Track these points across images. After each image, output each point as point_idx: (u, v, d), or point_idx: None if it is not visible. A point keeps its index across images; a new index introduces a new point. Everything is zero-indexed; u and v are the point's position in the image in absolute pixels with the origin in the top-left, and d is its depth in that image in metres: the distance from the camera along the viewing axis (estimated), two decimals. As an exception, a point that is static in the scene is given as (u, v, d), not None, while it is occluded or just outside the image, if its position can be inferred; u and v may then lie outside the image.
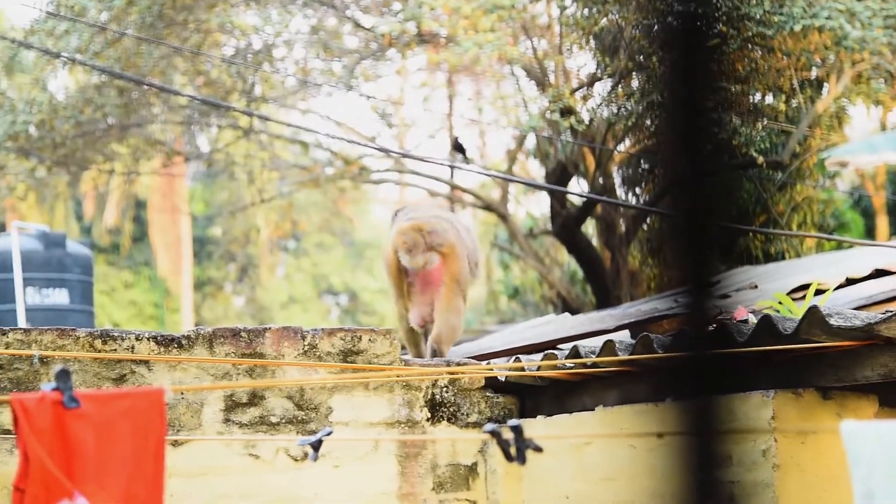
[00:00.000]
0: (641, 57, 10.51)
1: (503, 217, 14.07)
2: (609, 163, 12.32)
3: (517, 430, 3.34)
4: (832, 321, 3.88)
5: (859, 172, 15.22)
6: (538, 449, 3.37)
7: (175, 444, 5.09)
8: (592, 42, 11.47)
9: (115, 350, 5.09)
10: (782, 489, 4.11)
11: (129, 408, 3.46)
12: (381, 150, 13.63)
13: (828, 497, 4.15)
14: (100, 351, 5.07)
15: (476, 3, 10.24)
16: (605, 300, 12.15)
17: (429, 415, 5.53)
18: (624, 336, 6.10)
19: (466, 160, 13.99)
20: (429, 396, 5.54)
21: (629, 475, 4.76)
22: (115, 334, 5.14)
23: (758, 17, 9.34)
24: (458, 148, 13.80)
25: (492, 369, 5.40)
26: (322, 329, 5.42)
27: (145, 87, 11.86)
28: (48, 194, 15.11)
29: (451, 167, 14.44)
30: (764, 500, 4.11)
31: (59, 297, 11.75)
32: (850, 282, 6.39)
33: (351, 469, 5.35)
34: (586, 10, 10.81)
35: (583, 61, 13.10)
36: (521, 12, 10.83)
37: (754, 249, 11.77)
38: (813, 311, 3.92)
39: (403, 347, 6.15)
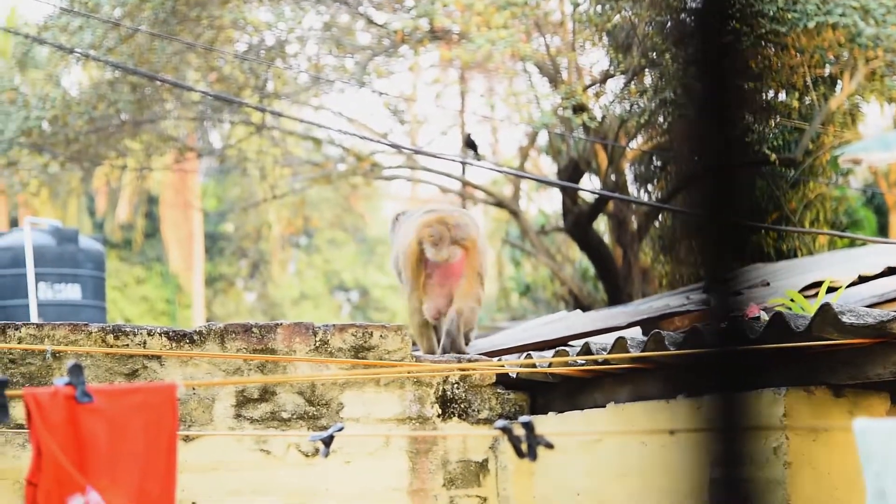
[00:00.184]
0: (654, 54, 10.49)
1: (515, 214, 14.07)
2: (621, 160, 12.31)
3: (528, 427, 3.34)
4: (844, 319, 3.87)
5: (872, 170, 15.16)
6: (549, 445, 3.37)
7: (186, 439, 5.10)
8: (605, 39, 11.46)
9: (128, 345, 5.11)
10: (794, 487, 4.10)
11: (142, 403, 3.47)
12: (393, 146, 13.64)
13: (840, 495, 4.14)
14: (112, 346, 5.09)
15: (489, 0, 10.24)
16: (616, 297, 12.15)
17: (440, 411, 5.53)
18: (635, 333, 6.09)
19: (478, 157, 13.98)
20: (440, 393, 5.54)
21: (641, 472, 4.75)
22: (128, 329, 5.16)
23: (771, 14, 9.32)
24: (470, 144, 13.80)
25: (503, 366, 5.40)
26: (333, 325, 5.43)
27: (158, 83, 11.88)
28: (61, 190, 15.17)
29: (463, 164, 14.45)
30: (775, 498, 4.10)
31: (71, 292, 11.78)
32: (862, 279, 6.36)
33: (362, 465, 5.36)
34: (599, 7, 10.80)
35: (595, 58, 13.09)
36: (534, 9, 10.83)
37: (766, 247, 11.75)
38: (825, 308, 3.91)
39: (414, 343, 6.15)
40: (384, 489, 5.38)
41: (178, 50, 11.86)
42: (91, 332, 5.08)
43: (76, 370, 3.34)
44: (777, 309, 4.76)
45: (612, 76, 11.63)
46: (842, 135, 11.62)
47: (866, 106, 12.13)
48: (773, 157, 10.54)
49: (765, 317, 4.33)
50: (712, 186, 1.58)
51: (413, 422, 5.48)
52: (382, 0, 12.18)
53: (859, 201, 14.93)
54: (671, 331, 4.75)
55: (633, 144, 12.11)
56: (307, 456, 5.29)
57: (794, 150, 11.09)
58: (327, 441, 3.79)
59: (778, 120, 10.91)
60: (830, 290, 5.65)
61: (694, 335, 4.35)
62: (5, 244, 11.94)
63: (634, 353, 4.64)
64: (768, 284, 7.24)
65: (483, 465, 5.56)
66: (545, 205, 17.93)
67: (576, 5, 11.01)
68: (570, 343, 6.12)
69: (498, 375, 5.55)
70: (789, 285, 6.45)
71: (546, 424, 5.20)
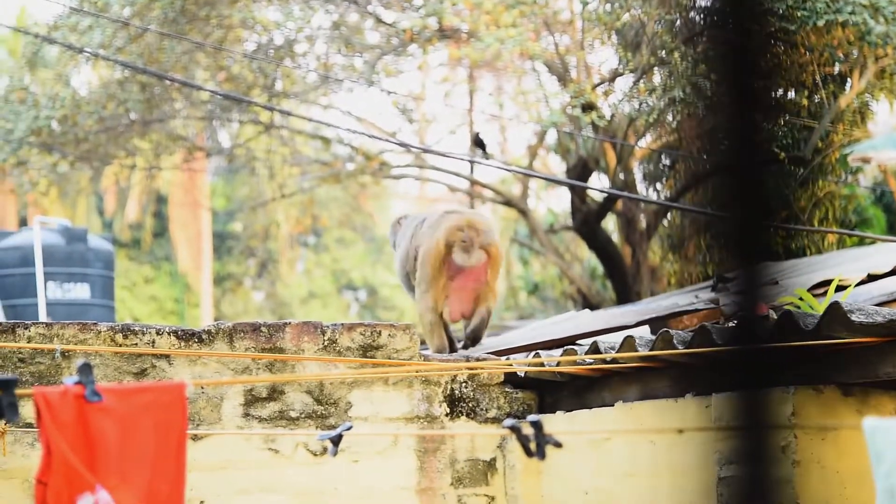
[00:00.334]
0: (663, 52, 10.48)
1: (523, 212, 14.06)
2: (630, 158, 12.30)
3: (537, 426, 3.33)
4: (854, 317, 3.86)
5: (882, 168, 15.12)
6: (558, 444, 3.36)
7: (195, 438, 5.11)
8: (614, 37, 11.45)
9: (136, 344, 5.12)
10: (802, 486, 4.10)
11: (151, 402, 3.47)
12: (401, 145, 13.64)
13: (849, 494, 4.13)
14: (121, 345, 5.10)
15: (497, -1, 10.24)
16: (625, 296, 12.13)
17: (448, 410, 5.53)
18: (644, 332, 6.09)
19: (487, 156, 13.98)
20: (448, 392, 5.54)
21: (649, 471, 4.75)
22: (136, 329, 5.17)
23: (781, 12, 9.30)
24: (478, 143, 13.80)
25: (511, 365, 5.40)
26: (342, 324, 5.44)
27: (167, 82, 11.90)
28: (70, 189, 15.19)
29: (472, 162, 14.44)
30: (784, 497, 4.09)
31: (80, 291, 11.81)
32: (871, 278, 6.35)
33: (370, 464, 5.36)
34: (608, 6, 10.80)
35: (604, 57, 13.13)
36: (543, 8, 10.83)
37: (775, 245, 11.71)
38: (834, 307, 3.91)
39: (422, 342, 6.16)
40: (392, 488, 5.39)
41: (188, 49, 11.87)
42: (100, 332, 5.09)
43: (85, 369, 3.35)
44: (786, 308, 4.75)
45: (621, 75, 11.62)
46: (851, 133, 11.59)
47: (876, 104, 12.09)
48: (783, 155, 10.52)
49: (773, 315, 4.32)
50: (738, 184, 1.58)
51: (421, 421, 5.48)
52: (391, -1, 12.18)
53: (868, 200, 14.88)
54: (680, 329, 4.74)
55: (642, 143, 12.10)
56: (315, 455, 5.30)
57: (804, 148, 11.07)
58: (335, 440, 3.79)
59: (787, 118, 10.89)
60: (839, 288, 5.64)
61: (702, 334, 4.34)
62: (15, 243, 11.98)
63: (643, 352, 4.64)
64: (777, 283, 7.23)
65: (491, 464, 5.56)
66: (554, 204, 17.92)
67: (585, 4, 11.00)
68: (578, 342, 6.12)
69: (506, 374, 5.55)
70: (798, 284, 6.44)
71: (554, 423, 5.20)
